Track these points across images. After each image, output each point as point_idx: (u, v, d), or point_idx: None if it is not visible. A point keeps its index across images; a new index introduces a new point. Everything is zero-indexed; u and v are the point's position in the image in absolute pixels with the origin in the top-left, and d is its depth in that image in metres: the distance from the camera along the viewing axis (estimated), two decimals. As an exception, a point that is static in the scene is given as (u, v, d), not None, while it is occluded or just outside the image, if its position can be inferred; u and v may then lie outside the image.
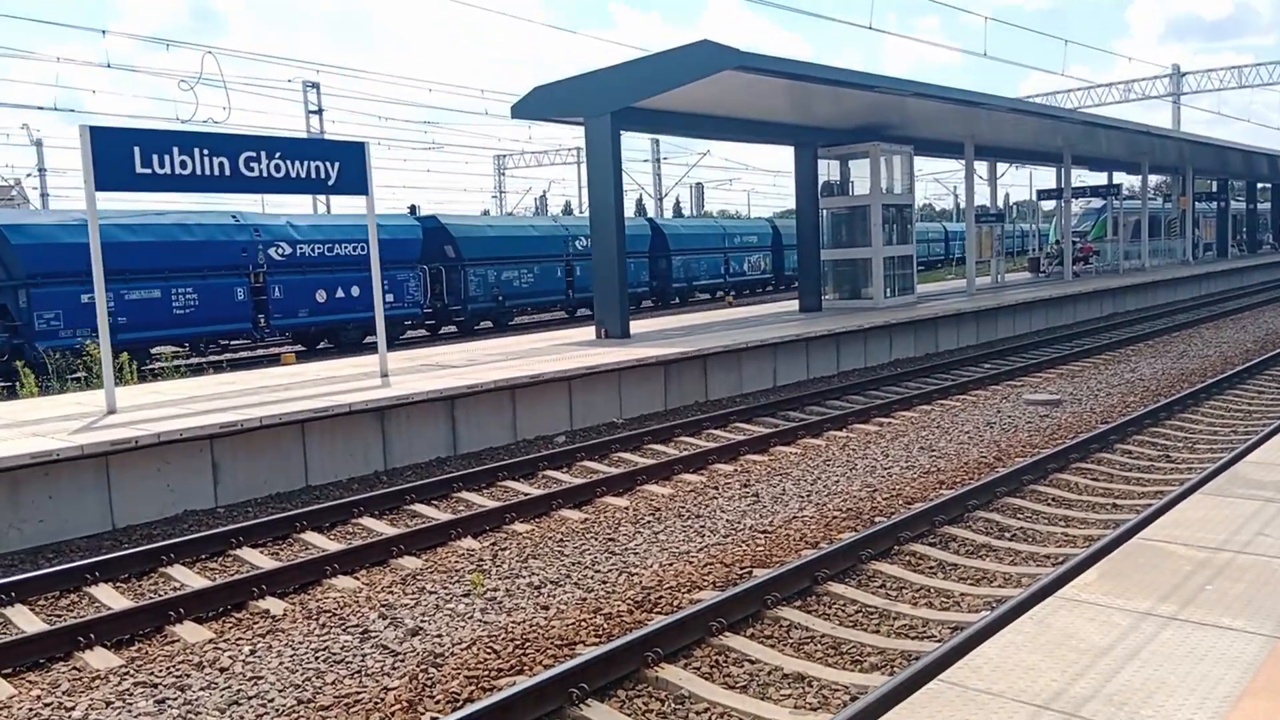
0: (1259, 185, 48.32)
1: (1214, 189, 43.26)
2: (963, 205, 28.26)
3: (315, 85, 36.48)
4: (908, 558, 6.88)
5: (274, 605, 6.36)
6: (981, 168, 28.43)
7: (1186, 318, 22.51)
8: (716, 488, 8.94)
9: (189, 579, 7.06)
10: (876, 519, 7.69)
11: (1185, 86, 47.06)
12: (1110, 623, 3.69)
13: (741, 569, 6.70)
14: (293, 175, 10.70)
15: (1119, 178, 36.43)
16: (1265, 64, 44.54)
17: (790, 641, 5.56)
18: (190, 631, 6.01)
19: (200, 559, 7.54)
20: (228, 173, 10.17)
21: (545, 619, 5.89)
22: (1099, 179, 36.57)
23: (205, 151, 10.01)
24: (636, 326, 17.16)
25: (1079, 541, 7.12)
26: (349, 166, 11.23)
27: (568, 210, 75.23)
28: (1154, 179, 43.05)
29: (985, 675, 3.28)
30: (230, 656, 5.56)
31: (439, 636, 5.69)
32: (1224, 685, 3.16)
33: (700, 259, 36.36)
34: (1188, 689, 3.14)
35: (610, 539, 7.50)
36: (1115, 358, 16.56)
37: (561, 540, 7.51)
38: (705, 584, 6.43)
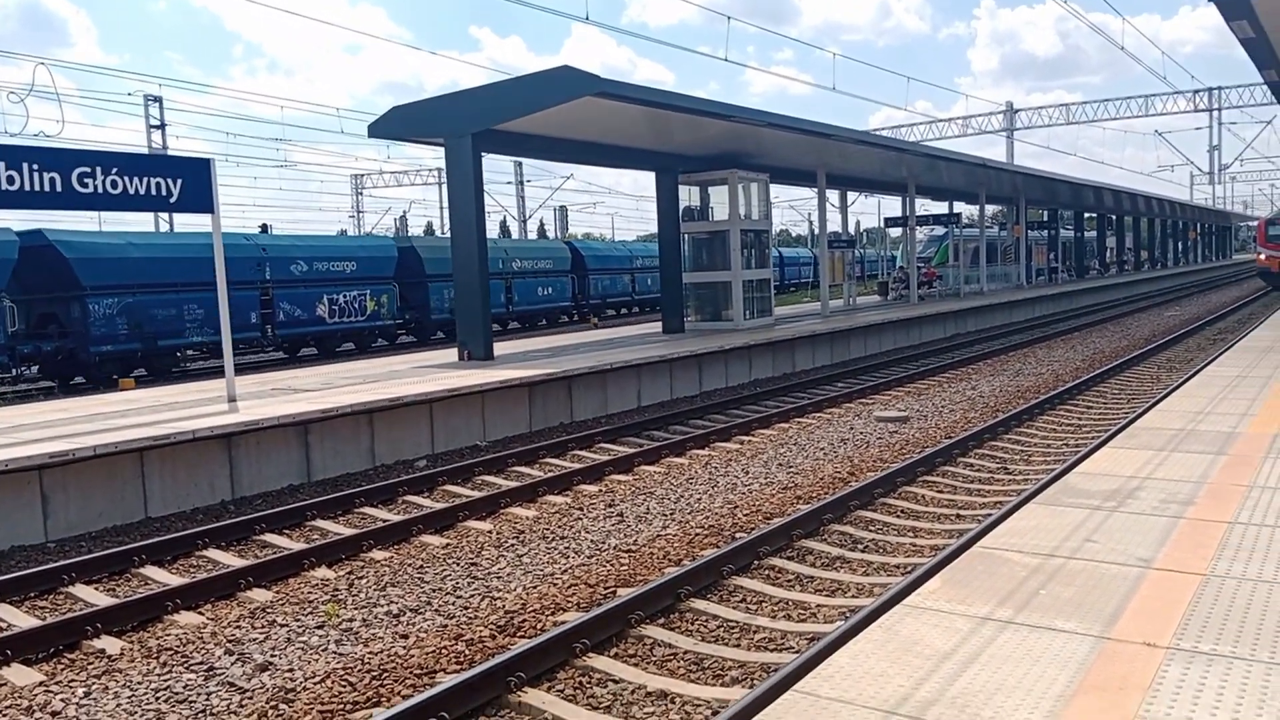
0: (1086, 215, 51.86)
1: (1045, 218, 46.18)
2: (817, 232, 29.32)
3: (158, 99, 34.89)
4: (767, 572, 7.03)
5: (110, 644, 5.98)
6: (833, 196, 29.53)
7: (1022, 338, 23.89)
8: (581, 508, 8.93)
9: (16, 618, 6.58)
10: (737, 535, 7.84)
11: (1018, 122, 50.25)
12: (952, 628, 3.86)
13: (606, 589, 6.70)
14: (131, 192, 10.18)
15: (959, 207, 38.49)
16: (1090, 102, 48.20)
17: (654, 659, 5.59)
18: (18, 674, 5.59)
19: (29, 597, 7.04)
20: (60, 189, 9.60)
21: (404, 648, 5.75)
22: (941, 208, 38.54)
23: (35, 166, 9.43)
24: (501, 348, 17.03)
25: (926, 551, 7.44)
26: (192, 184, 10.76)
27: (429, 231, 73.92)
28: (991, 208, 45.67)
29: (837, 684, 3.38)
30: (63, 700, 5.20)
31: (290, 671, 5.46)
32: (1058, 685, 3.34)
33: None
34: (1025, 689, 3.31)
35: (473, 563, 7.38)
36: (958, 376, 17.42)
37: (422, 567, 7.35)
38: (569, 605, 6.40)
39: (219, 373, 19.42)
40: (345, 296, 26.18)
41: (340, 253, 26.43)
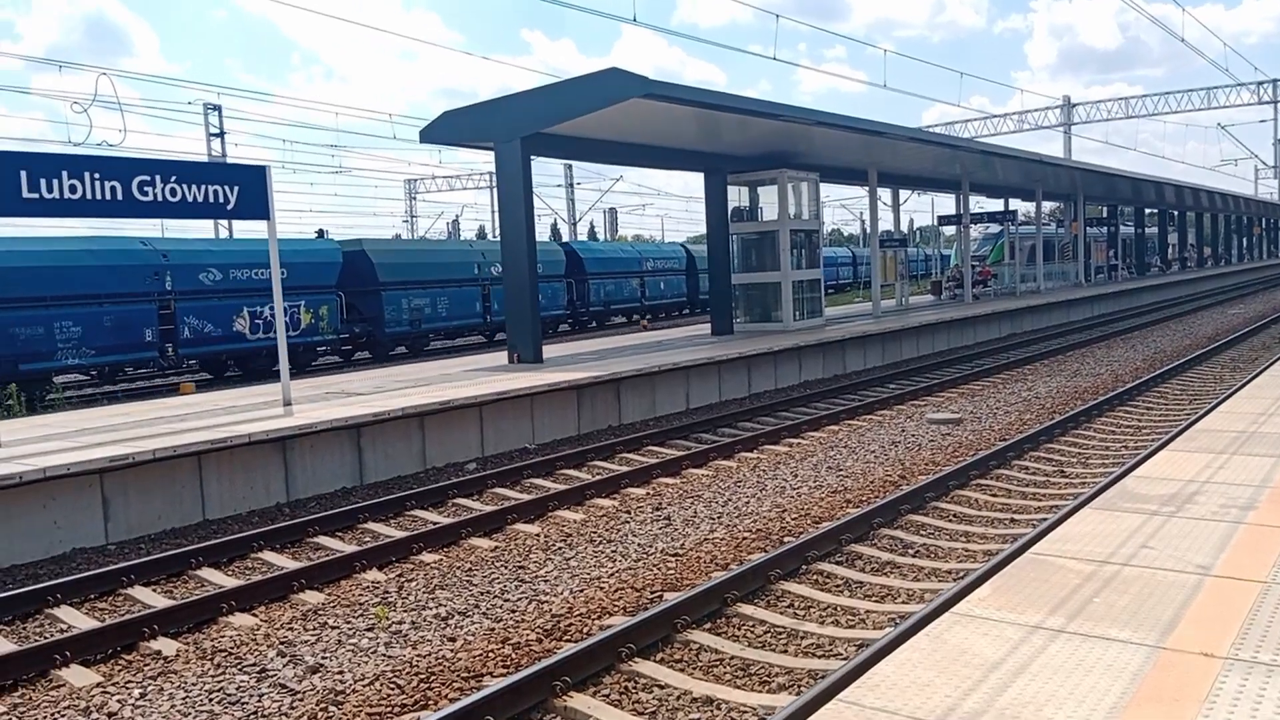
0: (1147, 211, 50.71)
1: (1104, 214, 45.22)
2: (868, 230, 28.95)
3: (217, 108, 35.66)
4: (815, 577, 6.96)
5: (166, 645, 6.11)
6: (885, 194, 29.22)
7: (1080, 338, 23.40)
8: (629, 511, 8.93)
9: (76, 620, 6.75)
10: (785, 539, 7.78)
11: (1076, 117, 49.35)
12: (1002, 637, 3.78)
13: (652, 593, 6.69)
14: (190, 200, 10.40)
15: (1015, 204, 37.85)
16: (1150, 95, 47.10)
17: (700, 665, 5.56)
18: (77, 675, 5.73)
19: (89, 599, 7.22)
20: (120, 197, 9.85)
21: (452, 651, 5.79)
22: (996, 205, 37.96)
23: (97, 175, 9.67)
24: (549, 351, 17.10)
25: (979, 556, 7.31)
26: (249, 190, 10.97)
27: (481, 235, 74.61)
28: (1048, 205, 44.84)
29: (883, 693, 3.32)
30: (119, 700, 5.32)
31: (340, 673, 5.54)
32: (1111, 696, 3.25)
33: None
34: (1076, 700, 3.23)
35: (520, 567, 7.42)
36: (1013, 376, 17.11)
37: (470, 570, 7.40)
38: (616, 609, 6.40)
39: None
40: (271, 309, 22.10)
41: (265, 258, 22.82)
